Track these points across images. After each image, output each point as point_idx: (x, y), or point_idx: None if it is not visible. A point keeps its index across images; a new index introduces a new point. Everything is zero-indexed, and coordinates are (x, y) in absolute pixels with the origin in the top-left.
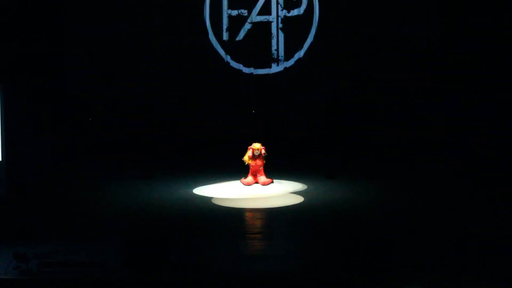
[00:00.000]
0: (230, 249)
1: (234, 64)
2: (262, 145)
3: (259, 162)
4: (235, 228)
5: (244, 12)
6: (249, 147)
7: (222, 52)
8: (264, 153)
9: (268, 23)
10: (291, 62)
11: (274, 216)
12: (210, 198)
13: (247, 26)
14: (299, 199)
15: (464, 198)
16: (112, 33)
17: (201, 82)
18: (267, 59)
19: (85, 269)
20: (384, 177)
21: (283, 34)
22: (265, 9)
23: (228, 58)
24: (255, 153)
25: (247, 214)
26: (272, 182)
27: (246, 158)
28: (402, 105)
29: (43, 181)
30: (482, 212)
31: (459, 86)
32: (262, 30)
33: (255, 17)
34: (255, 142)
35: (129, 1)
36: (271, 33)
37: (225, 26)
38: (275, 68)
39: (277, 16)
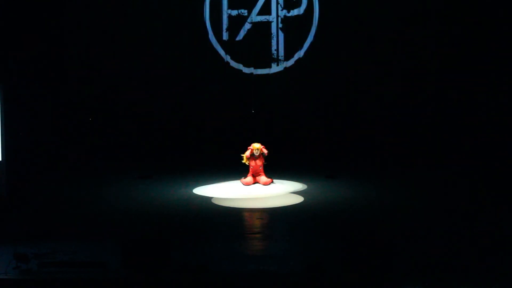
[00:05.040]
0: (230, 249)
1: (234, 64)
2: (262, 145)
3: (259, 162)
4: (235, 228)
5: (244, 12)
6: (248, 147)
7: (222, 52)
8: (266, 153)
9: (268, 23)
10: (291, 62)
11: (274, 216)
12: (210, 198)
13: (247, 26)
14: (299, 199)
15: (464, 198)
16: (111, 33)
17: (201, 82)
18: (267, 59)
19: (85, 269)
20: (384, 177)
21: (283, 34)
22: (265, 9)
23: (228, 58)
24: (254, 153)
25: (246, 214)
26: (272, 182)
27: (244, 157)
28: (403, 104)
29: (43, 181)
30: (482, 212)
31: (460, 85)
32: (262, 30)
33: (255, 17)
34: (254, 142)
35: (128, 1)
36: (271, 33)
37: (225, 26)
38: (275, 68)
39: (277, 16)
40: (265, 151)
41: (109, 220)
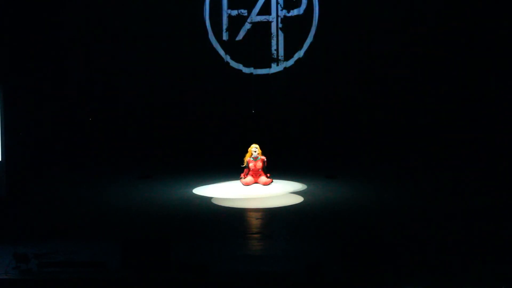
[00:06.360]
0: (230, 249)
1: (234, 64)
2: (260, 148)
3: (259, 164)
4: (235, 228)
5: (244, 12)
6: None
7: (222, 52)
8: (263, 159)
9: (268, 23)
10: (290, 62)
11: (274, 216)
12: (210, 198)
13: (247, 26)
14: (299, 199)
15: (464, 197)
16: (112, 33)
17: (201, 82)
18: (267, 59)
19: (85, 269)
20: (384, 177)
21: (283, 34)
22: (265, 9)
23: (228, 58)
24: (253, 153)
25: (246, 214)
26: (272, 182)
27: (244, 161)
28: (403, 104)
29: (43, 181)
30: (483, 212)
31: (460, 85)
32: (262, 30)
33: (255, 17)
34: (254, 143)
35: (128, 1)
36: (271, 33)
37: (225, 26)
38: (274, 68)
39: (277, 16)
40: (263, 157)
41: (109, 220)
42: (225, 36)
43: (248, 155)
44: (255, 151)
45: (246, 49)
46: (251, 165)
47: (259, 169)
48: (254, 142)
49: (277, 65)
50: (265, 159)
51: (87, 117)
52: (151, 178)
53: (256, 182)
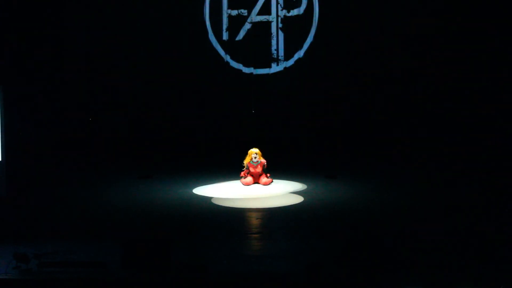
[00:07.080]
0: (230, 249)
1: (234, 64)
2: (260, 149)
3: (259, 168)
4: (234, 228)
5: (244, 12)
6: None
7: (222, 52)
8: (263, 163)
9: (268, 23)
10: (291, 62)
11: (274, 216)
12: (210, 198)
13: (247, 26)
14: (299, 199)
15: (464, 197)
16: (111, 33)
17: (201, 82)
18: (267, 59)
19: (85, 269)
20: (384, 177)
21: (283, 34)
22: (265, 9)
23: (228, 58)
24: (253, 158)
25: (246, 214)
26: (272, 182)
27: (244, 163)
28: (403, 104)
29: (43, 181)
30: (483, 212)
31: (460, 84)
32: (262, 30)
33: (255, 17)
34: (254, 146)
35: (128, 1)
36: (271, 33)
37: (225, 26)
38: (275, 68)
39: (277, 16)
40: (263, 161)
41: (109, 220)
42: (225, 36)
43: (248, 157)
44: (255, 157)
45: (246, 49)
46: (251, 169)
47: (259, 172)
48: (254, 142)
49: (277, 65)
50: (265, 163)
51: (87, 117)
52: (151, 178)
53: (256, 182)
